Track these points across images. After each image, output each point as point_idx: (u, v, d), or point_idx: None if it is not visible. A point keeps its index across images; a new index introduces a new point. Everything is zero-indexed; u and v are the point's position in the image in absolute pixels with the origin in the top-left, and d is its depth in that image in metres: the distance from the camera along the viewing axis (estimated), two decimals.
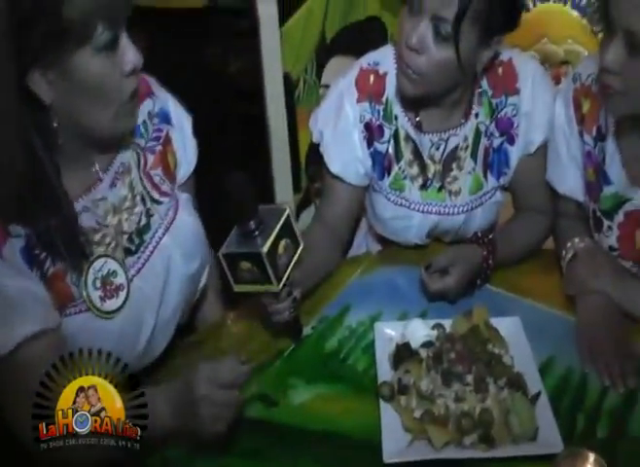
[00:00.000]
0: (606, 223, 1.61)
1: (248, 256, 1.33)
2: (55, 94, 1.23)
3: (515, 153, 1.73)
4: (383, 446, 1.29)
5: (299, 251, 1.42)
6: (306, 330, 1.57)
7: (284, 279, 1.38)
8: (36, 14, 1.15)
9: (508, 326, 1.51)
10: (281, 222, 1.36)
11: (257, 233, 1.33)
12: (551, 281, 1.67)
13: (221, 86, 3.58)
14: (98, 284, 1.36)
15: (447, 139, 1.72)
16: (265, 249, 1.31)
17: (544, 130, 1.69)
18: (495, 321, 1.51)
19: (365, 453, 1.30)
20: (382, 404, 1.37)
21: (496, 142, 1.72)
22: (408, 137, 1.72)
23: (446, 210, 1.76)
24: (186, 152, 1.56)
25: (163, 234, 1.46)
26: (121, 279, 1.39)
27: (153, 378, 1.42)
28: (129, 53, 1.26)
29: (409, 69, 1.56)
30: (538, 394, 1.35)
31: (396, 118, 1.71)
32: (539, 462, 1.22)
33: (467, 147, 1.72)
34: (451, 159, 1.73)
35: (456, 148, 1.73)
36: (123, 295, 1.39)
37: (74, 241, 1.31)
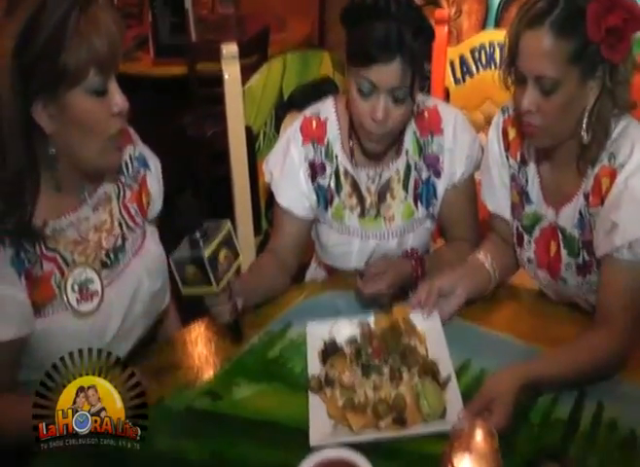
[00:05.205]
0: (526, 238, 1.82)
1: (193, 260, 1.51)
2: (55, 126, 1.45)
3: (441, 185, 1.94)
4: (310, 431, 1.44)
5: (238, 261, 1.61)
6: (253, 339, 1.74)
7: (223, 283, 1.56)
8: (38, 58, 1.38)
9: (426, 320, 1.69)
10: (222, 233, 1.56)
11: (201, 241, 1.52)
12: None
13: (197, 148, 3.83)
14: (76, 288, 1.55)
15: (381, 173, 1.93)
16: (206, 254, 1.50)
17: (464, 164, 1.92)
18: (415, 316, 1.69)
19: (295, 437, 1.45)
20: (310, 395, 1.53)
21: (424, 175, 1.94)
22: (346, 173, 1.94)
23: (382, 234, 1.96)
24: (158, 194, 1.79)
25: (133, 256, 1.68)
26: (96, 287, 1.59)
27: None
28: (117, 97, 1.47)
29: (377, 136, 1.80)
30: (448, 378, 1.52)
31: (336, 156, 1.93)
32: (446, 437, 1.33)
33: (399, 179, 1.93)
34: (385, 189, 1.94)
35: (389, 180, 1.94)
36: (97, 300, 1.58)
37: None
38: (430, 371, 1.52)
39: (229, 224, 1.60)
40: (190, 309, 1.82)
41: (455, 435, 1.28)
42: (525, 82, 1.59)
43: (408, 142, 1.93)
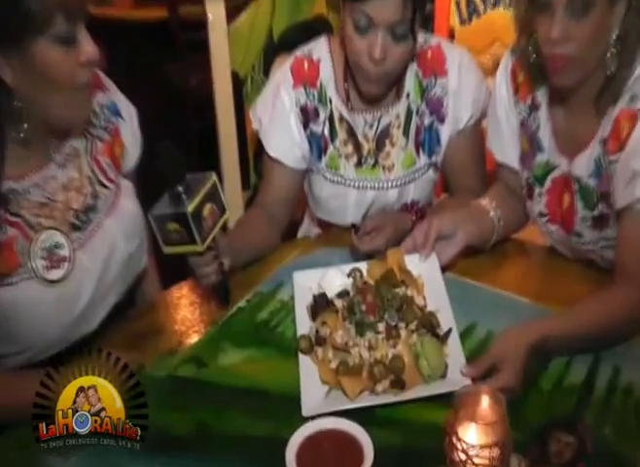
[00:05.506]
0: (537, 190, 1.71)
1: (175, 217, 1.40)
2: (18, 78, 1.34)
3: (445, 131, 1.83)
4: (302, 400, 1.34)
5: (224, 216, 1.50)
6: (241, 302, 1.64)
7: (208, 241, 1.45)
8: None
9: (423, 264, 1.58)
10: (207, 187, 1.44)
11: (184, 196, 1.40)
12: (478, 259, 1.73)
13: (181, 98, 3.70)
14: (44, 254, 1.44)
15: (380, 118, 1.82)
16: (189, 209, 1.38)
17: (470, 108, 1.81)
18: (411, 258, 1.58)
19: (286, 406, 1.36)
20: (301, 357, 1.43)
21: (427, 121, 1.82)
22: (342, 118, 1.82)
23: (381, 185, 1.85)
24: (133, 145, 1.67)
25: (106, 216, 1.56)
26: (65, 252, 1.47)
27: (92, 347, 1.48)
28: (86, 46, 1.36)
29: (377, 75, 1.67)
30: (449, 331, 1.43)
31: (330, 100, 1.81)
32: (447, 398, 1.24)
33: (399, 125, 1.82)
34: (384, 136, 1.83)
35: (389, 126, 1.82)
36: (66, 266, 1.47)
37: None
38: (429, 325, 1.43)
39: (214, 176, 1.48)
40: (172, 270, 1.72)
41: (460, 403, 1.17)
42: (550, 9, 1.46)
43: (410, 84, 1.81)
